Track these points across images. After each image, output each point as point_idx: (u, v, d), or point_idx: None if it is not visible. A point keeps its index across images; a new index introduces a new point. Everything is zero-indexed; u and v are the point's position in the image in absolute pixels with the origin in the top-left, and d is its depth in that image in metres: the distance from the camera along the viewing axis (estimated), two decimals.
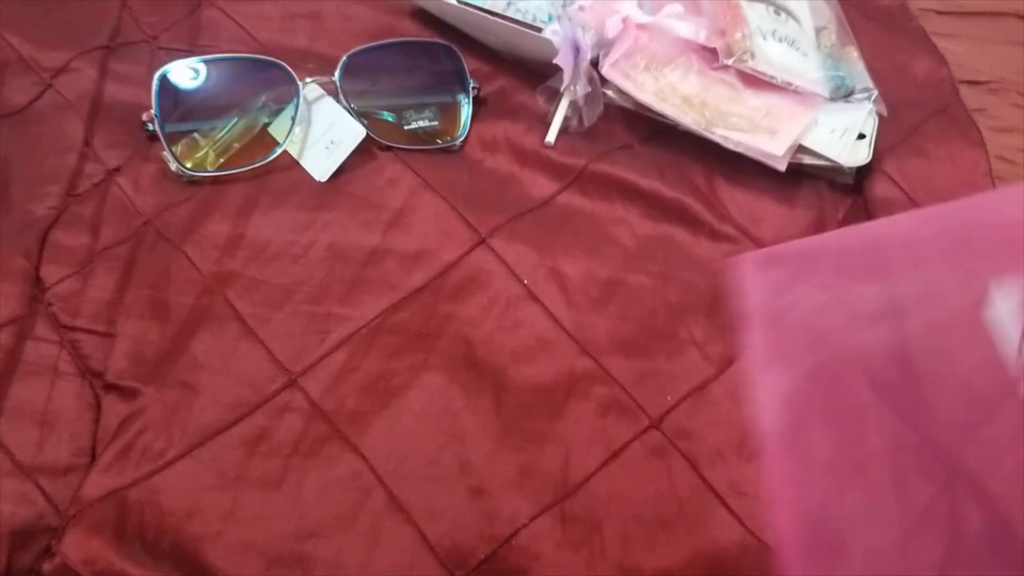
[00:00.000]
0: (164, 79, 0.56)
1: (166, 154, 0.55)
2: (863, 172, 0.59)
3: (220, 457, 0.46)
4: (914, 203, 0.57)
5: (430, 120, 0.60)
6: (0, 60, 0.58)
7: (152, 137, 0.56)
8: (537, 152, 0.59)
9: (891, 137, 0.60)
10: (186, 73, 0.57)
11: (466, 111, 0.60)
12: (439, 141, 0.59)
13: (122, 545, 0.43)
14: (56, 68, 0.58)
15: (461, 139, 0.59)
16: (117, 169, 0.55)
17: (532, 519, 0.46)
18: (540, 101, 0.60)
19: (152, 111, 0.55)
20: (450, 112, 0.61)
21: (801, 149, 0.57)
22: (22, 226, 0.51)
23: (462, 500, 0.46)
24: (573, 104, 0.59)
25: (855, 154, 0.57)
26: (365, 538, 0.45)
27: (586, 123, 0.59)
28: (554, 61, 0.56)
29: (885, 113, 0.60)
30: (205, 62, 0.57)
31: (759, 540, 0.46)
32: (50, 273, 0.51)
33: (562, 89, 0.58)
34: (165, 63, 0.56)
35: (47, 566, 0.43)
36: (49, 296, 0.50)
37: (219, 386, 0.48)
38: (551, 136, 0.59)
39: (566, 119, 0.59)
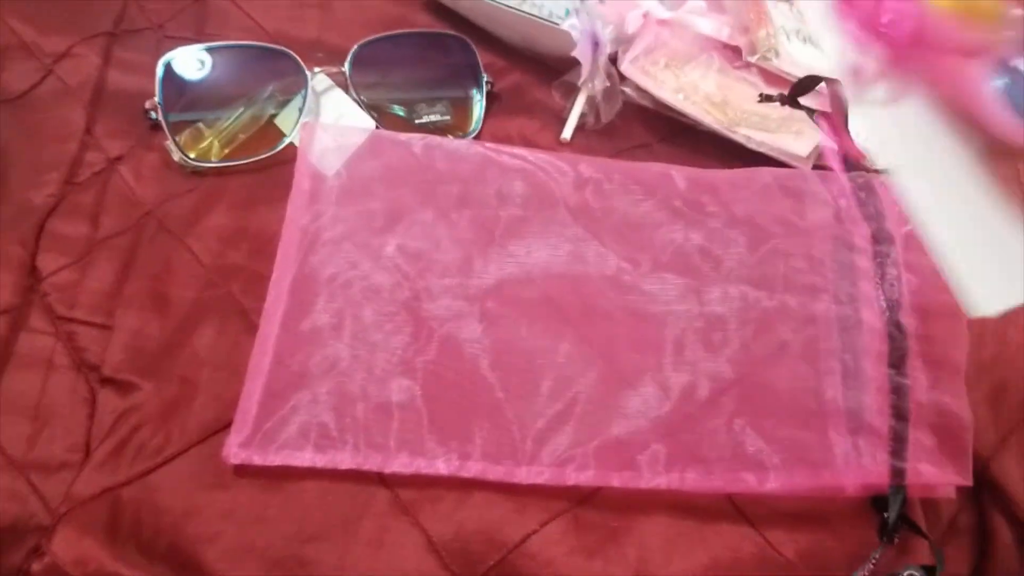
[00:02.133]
0: (169, 67, 0.54)
1: (169, 144, 0.53)
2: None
3: (220, 455, 0.44)
4: None
5: (442, 115, 0.58)
6: (0, 44, 0.56)
7: (155, 126, 0.54)
8: (552, 150, 0.57)
9: None
10: (191, 61, 0.55)
11: (479, 106, 0.59)
12: (451, 136, 0.57)
13: (115, 545, 0.41)
14: (58, 53, 0.56)
15: (474, 135, 0.58)
16: (119, 158, 0.53)
17: (543, 525, 0.44)
18: (556, 96, 0.58)
19: (156, 99, 0.53)
20: (463, 107, 0.59)
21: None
22: (19, 214, 0.50)
23: (470, 503, 0.44)
24: (590, 100, 0.57)
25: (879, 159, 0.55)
26: (369, 542, 0.43)
27: (604, 120, 0.57)
28: (572, 55, 0.55)
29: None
30: (211, 50, 0.55)
31: (777, 552, 0.44)
32: (47, 262, 0.49)
33: (580, 84, 0.56)
34: (170, 51, 0.54)
35: (36, 566, 0.41)
36: (45, 286, 0.48)
37: (220, 382, 0.46)
38: (567, 133, 0.57)
39: (583, 116, 0.57)
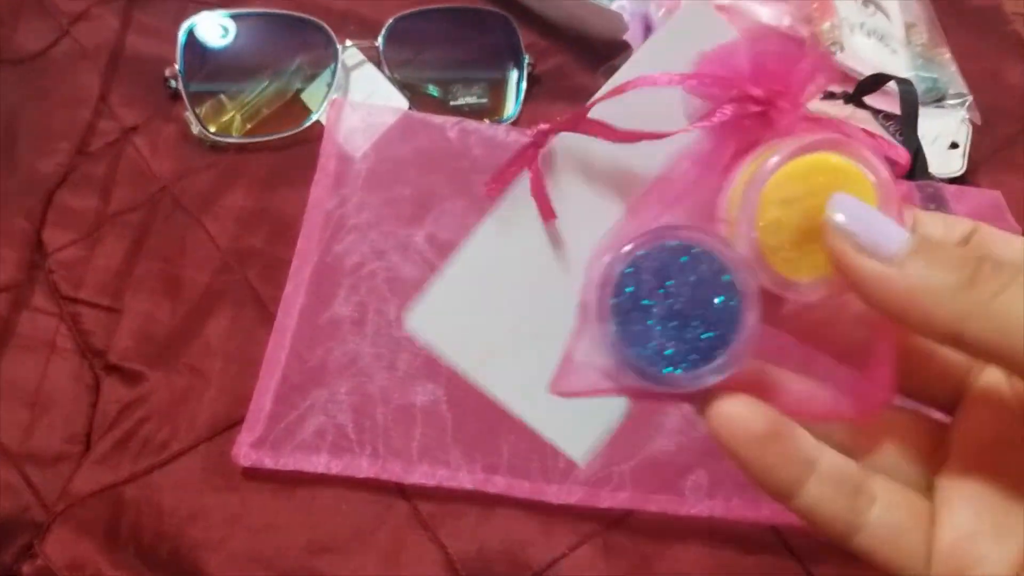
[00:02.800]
0: (191, 33, 0.51)
1: (188, 115, 0.50)
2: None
3: (229, 454, 0.41)
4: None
5: (478, 97, 0.55)
6: (15, 1, 0.53)
7: (174, 96, 0.51)
8: None
9: (985, 148, 0.55)
10: (216, 28, 0.52)
11: (519, 89, 0.55)
12: (487, 121, 0.54)
13: (114, 549, 0.39)
14: (75, 14, 0.53)
15: (511, 120, 0.54)
16: (134, 128, 0.50)
17: (572, 549, 0.41)
18: (601, 82, 0.55)
19: (176, 67, 0.50)
20: (500, 89, 0.55)
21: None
22: (26, 184, 0.47)
23: (494, 520, 0.41)
24: None
25: (948, 164, 0.52)
26: (384, 556, 0.40)
27: None
28: (623, 38, 0.51)
29: (979, 121, 0.55)
30: (237, 17, 0.52)
31: None
32: (54, 237, 0.46)
33: None
34: (193, 16, 0.51)
35: (27, 568, 0.38)
36: (51, 262, 0.45)
37: (233, 375, 0.43)
38: None
39: None
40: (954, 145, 0.53)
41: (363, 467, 0.41)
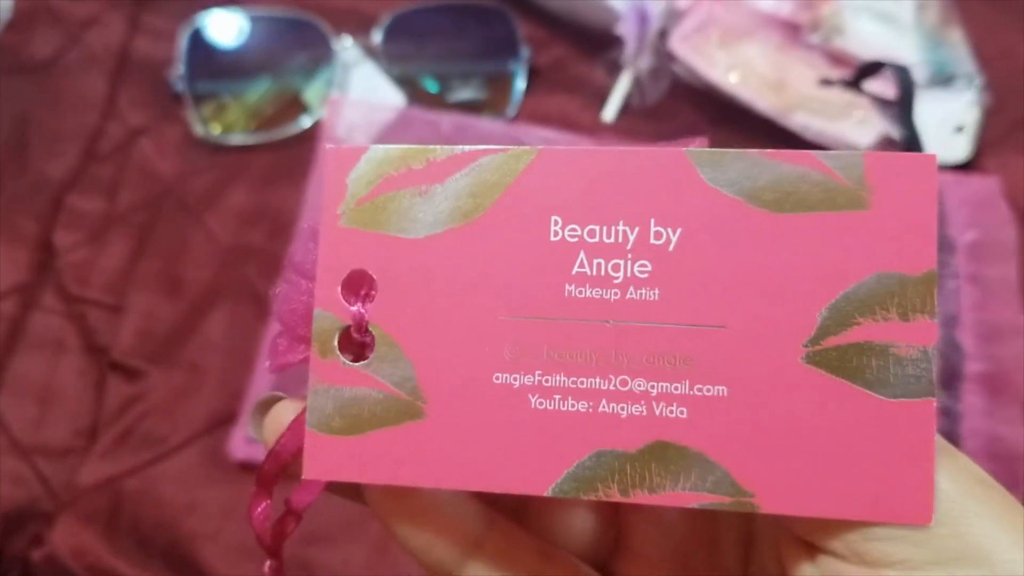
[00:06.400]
0: (194, 35, 0.52)
1: (192, 116, 0.51)
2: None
3: (225, 448, 0.42)
4: (1016, 206, 0.50)
5: (477, 91, 0.55)
6: (27, 9, 0.55)
7: (179, 97, 0.52)
8: (593, 130, 0.54)
9: (995, 131, 0.53)
10: (218, 29, 0.53)
11: (518, 82, 0.55)
12: (486, 114, 0.54)
13: (115, 538, 0.40)
14: (84, 20, 0.55)
15: (512, 112, 0.54)
16: (141, 130, 0.52)
17: None
18: (600, 74, 0.55)
19: (179, 69, 0.51)
20: (500, 83, 0.56)
21: (891, 142, 0.50)
22: (36, 187, 0.49)
23: None
24: (636, 79, 0.53)
25: (952, 149, 0.50)
26: (374, 546, 0.41)
27: (649, 101, 0.53)
28: (617, 33, 0.51)
29: (989, 104, 0.53)
30: (238, 19, 0.53)
31: None
32: (63, 238, 0.48)
33: (624, 62, 0.53)
34: (196, 18, 0.52)
35: (36, 554, 0.40)
36: (59, 263, 0.47)
37: (230, 370, 0.44)
38: (609, 113, 0.53)
39: (628, 95, 0.53)
40: (959, 129, 0.51)
41: None
